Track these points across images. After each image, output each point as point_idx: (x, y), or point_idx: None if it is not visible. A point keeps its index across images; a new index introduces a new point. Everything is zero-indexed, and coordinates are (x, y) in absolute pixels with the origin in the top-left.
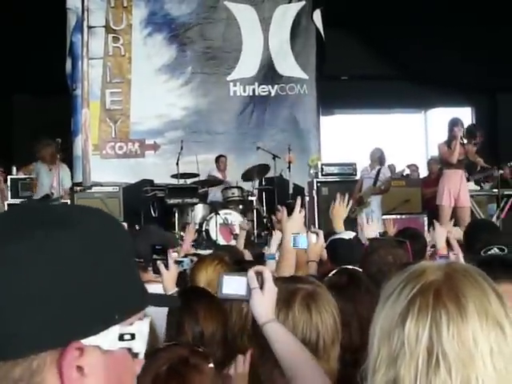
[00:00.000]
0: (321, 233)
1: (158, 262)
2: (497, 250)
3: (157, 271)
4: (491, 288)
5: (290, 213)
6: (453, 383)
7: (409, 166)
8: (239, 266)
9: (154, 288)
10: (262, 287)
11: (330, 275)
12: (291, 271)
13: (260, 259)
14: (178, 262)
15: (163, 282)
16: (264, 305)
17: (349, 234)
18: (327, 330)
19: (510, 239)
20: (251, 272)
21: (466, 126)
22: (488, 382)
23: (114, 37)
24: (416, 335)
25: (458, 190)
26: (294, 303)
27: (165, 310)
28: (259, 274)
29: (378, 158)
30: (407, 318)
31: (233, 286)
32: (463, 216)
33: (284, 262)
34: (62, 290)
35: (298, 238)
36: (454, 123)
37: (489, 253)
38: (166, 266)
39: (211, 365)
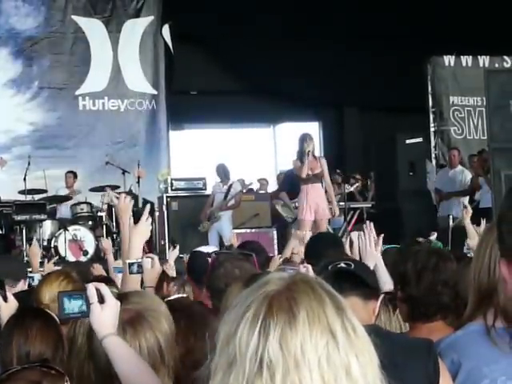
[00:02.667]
0: (156, 258)
1: None
2: (343, 265)
3: None
4: (329, 298)
5: (137, 221)
6: None
7: (259, 180)
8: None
9: None
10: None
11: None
12: (136, 287)
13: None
14: (29, 278)
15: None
16: (103, 319)
17: (209, 248)
18: (143, 356)
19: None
20: (89, 287)
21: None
22: None
23: None
24: (246, 342)
25: (316, 203)
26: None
27: None
28: (98, 290)
29: (223, 173)
30: (240, 326)
31: (73, 304)
32: (322, 228)
33: (125, 276)
34: None
35: (133, 265)
36: (303, 139)
37: (336, 268)
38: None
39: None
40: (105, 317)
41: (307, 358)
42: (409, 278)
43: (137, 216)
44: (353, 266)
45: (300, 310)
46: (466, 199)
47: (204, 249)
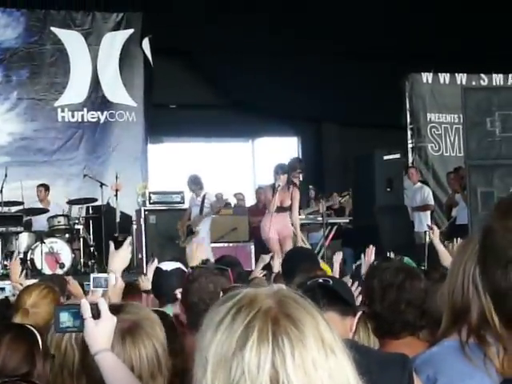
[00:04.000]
0: (118, 274)
1: None
2: (321, 281)
3: None
4: (320, 315)
5: (117, 246)
6: None
7: (235, 195)
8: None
9: None
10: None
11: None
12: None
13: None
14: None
15: None
16: (97, 334)
17: (169, 265)
18: (143, 363)
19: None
20: (83, 302)
21: (290, 160)
22: None
23: None
24: (257, 363)
25: (280, 227)
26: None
27: None
28: (95, 305)
29: (194, 184)
30: (246, 345)
31: (69, 318)
32: (287, 246)
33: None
34: None
35: (97, 279)
36: (275, 171)
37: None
38: None
39: None
40: (99, 332)
41: (320, 373)
42: (375, 295)
43: (117, 241)
44: (331, 282)
45: (305, 326)
46: (428, 221)
47: (165, 265)
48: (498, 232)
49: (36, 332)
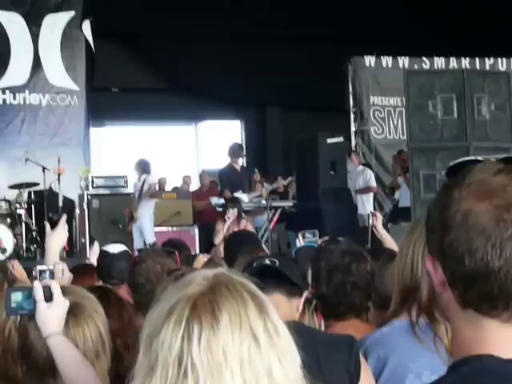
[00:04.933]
0: (65, 265)
1: None
2: (268, 263)
3: None
4: (252, 300)
5: (53, 227)
6: None
7: (183, 178)
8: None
9: None
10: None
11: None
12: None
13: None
14: None
15: None
16: (49, 317)
17: (116, 248)
18: (87, 343)
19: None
20: (36, 284)
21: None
22: None
23: None
24: (169, 345)
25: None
26: None
27: None
28: (47, 288)
29: (140, 168)
30: (163, 328)
31: (21, 300)
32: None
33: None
34: None
35: (44, 272)
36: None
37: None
38: None
39: None
40: (51, 315)
41: (229, 361)
42: (321, 277)
43: (54, 222)
44: (277, 263)
45: (223, 313)
46: (370, 204)
47: (112, 248)
48: (482, 213)
49: None
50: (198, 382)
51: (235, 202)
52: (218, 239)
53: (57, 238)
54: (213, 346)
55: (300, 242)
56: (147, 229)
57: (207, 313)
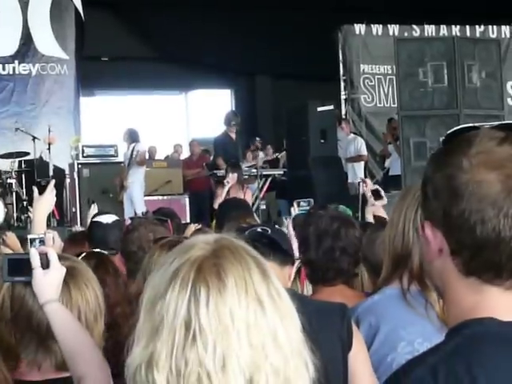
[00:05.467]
0: (56, 233)
1: None
2: (260, 231)
3: None
4: (255, 264)
5: (41, 192)
6: (209, 357)
7: (175, 146)
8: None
9: None
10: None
11: (79, 258)
12: None
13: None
14: None
15: None
16: (45, 285)
17: (109, 218)
18: (88, 306)
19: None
20: (33, 251)
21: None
22: (243, 358)
23: None
24: (175, 308)
25: None
26: None
27: None
28: (44, 255)
29: (128, 137)
30: (168, 291)
31: (17, 267)
32: None
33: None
34: None
35: (34, 241)
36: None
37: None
38: None
39: None
40: (48, 282)
41: (236, 324)
42: (310, 242)
43: (42, 188)
44: (269, 231)
45: (228, 276)
46: (361, 172)
47: (104, 218)
48: (494, 183)
49: None
50: (206, 346)
51: (236, 167)
52: (217, 204)
53: (44, 203)
54: (220, 309)
55: (295, 211)
56: (137, 198)
57: (213, 276)
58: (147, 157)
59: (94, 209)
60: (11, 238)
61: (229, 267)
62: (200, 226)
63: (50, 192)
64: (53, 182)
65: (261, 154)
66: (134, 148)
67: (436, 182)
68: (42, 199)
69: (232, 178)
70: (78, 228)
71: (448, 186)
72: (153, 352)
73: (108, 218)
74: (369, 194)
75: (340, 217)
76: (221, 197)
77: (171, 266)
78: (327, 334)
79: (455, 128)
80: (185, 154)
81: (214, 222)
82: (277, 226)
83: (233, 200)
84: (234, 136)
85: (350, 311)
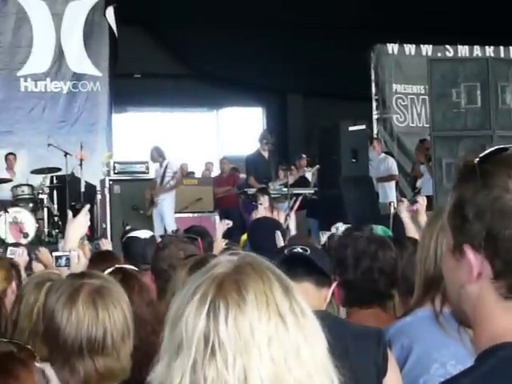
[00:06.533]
0: (81, 252)
1: None
2: (300, 250)
3: None
4: (278, 281)
5: (76, 215)
6: (229, 372)
7: (206, 164)
8: None
9: None
10: None
11: (105, 273)
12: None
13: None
14: None
15: None
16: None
17: (145, 233)
18: (115, 325)
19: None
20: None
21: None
22: (265, 372)
23: None
24: (193, 324)
25: None
26: (78, 298)
27: None
28: None
29: (156, 155)
30: (187, 308)
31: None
32: None
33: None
34: None
35: (61, 258)
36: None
37: (292, 252)
38: None
39: (38, 363)
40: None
41: (257, 338)
42: (347, 264)
43: (76, 211)
44: (309, 251)
45: (248, 291)
46: (393, 192)
47: (141, 233)
48: None
49: None
50: (226, 360)
51: (265, 190)
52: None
53: (77, 226)
54: (240, 323)
55: (337, 231)
56: (168, 215)
57: (233, 291)
58: (180, 175)
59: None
60: (44, 253)
61: (250, 283)
62: (228, 243)
63: (84, 216)
64: (87, 206)
65: (294, 173)
66: (167, 166)
67: (478, 204)
68: (76, 222)
69: (264, 200)
70: (104, 241)
71: (493, 208)
72: (173, 370)
73: (145, 234)
74: (404, 214)
75: (377, 238)
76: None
77: (193, 285)
78: (363, 358)
79: (490, 149)
80: (215, 171)
81: (243, 238)
82: (316, 245)
83: (266, 219)
84: (266, 155)
85: (385, 337)
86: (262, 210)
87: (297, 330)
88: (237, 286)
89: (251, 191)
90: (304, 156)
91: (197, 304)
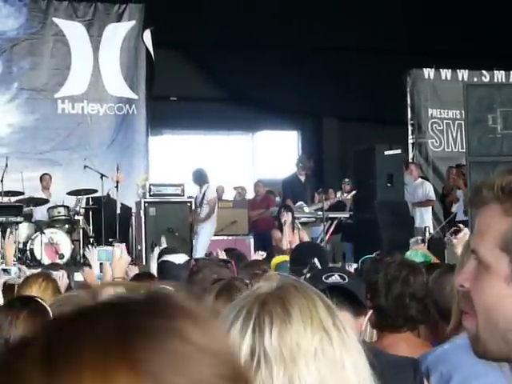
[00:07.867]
0: (124, 248)
1: None
2: (338, 278)
3: None
4: (320, 300)
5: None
6: (274, 383)
7: (236, 188)
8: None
9: None
10: None
11: None
12: (121, 274)
13: None
14: (4, 270)
15: None
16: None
17: (180, 258)
18: None
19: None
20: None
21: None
22: (311, 383)
23: None
24: (239, 340)
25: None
26: None
27: None
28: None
29: (198, 178)
30: (232, 327)
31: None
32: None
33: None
34: None
35: (101, 252)
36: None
37: (330, 279)
38: None
39: None
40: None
41: (303, 351)
42: (379, 289)
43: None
44: (347, 279)
45: (293, 307)
46: (429, 217)
47: (176, 258)
48: None
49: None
50: (272, 373)
51: (289, 208)
52: (284, 244)
53: (122, 264)
54: (285, 335)
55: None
56: (200, 242)
57: (278, 307)
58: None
59: (157, 251)
60: (89, 272)
61: (294, 300)
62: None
63: (126, 254)
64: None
65: (332, 199)
66: (205, 191)
67: None
68: (122, 261)
69: (287, 216)
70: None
71: None
72: None
73: (179, 258)
74: (458, 249)
75: (408, 263)
76: (285, 236)
77: (237, 306)
78: None
79: None
80: (249, 194)
81: (275, 261)
82: (352, 272)
83: (309, 243)
84: (303, 178)
85: (421, 367)
86: (286, 228)
87: (341, 344)
88: (281, 302)
89: None
90: (347, 180)
91: (242, 321)
